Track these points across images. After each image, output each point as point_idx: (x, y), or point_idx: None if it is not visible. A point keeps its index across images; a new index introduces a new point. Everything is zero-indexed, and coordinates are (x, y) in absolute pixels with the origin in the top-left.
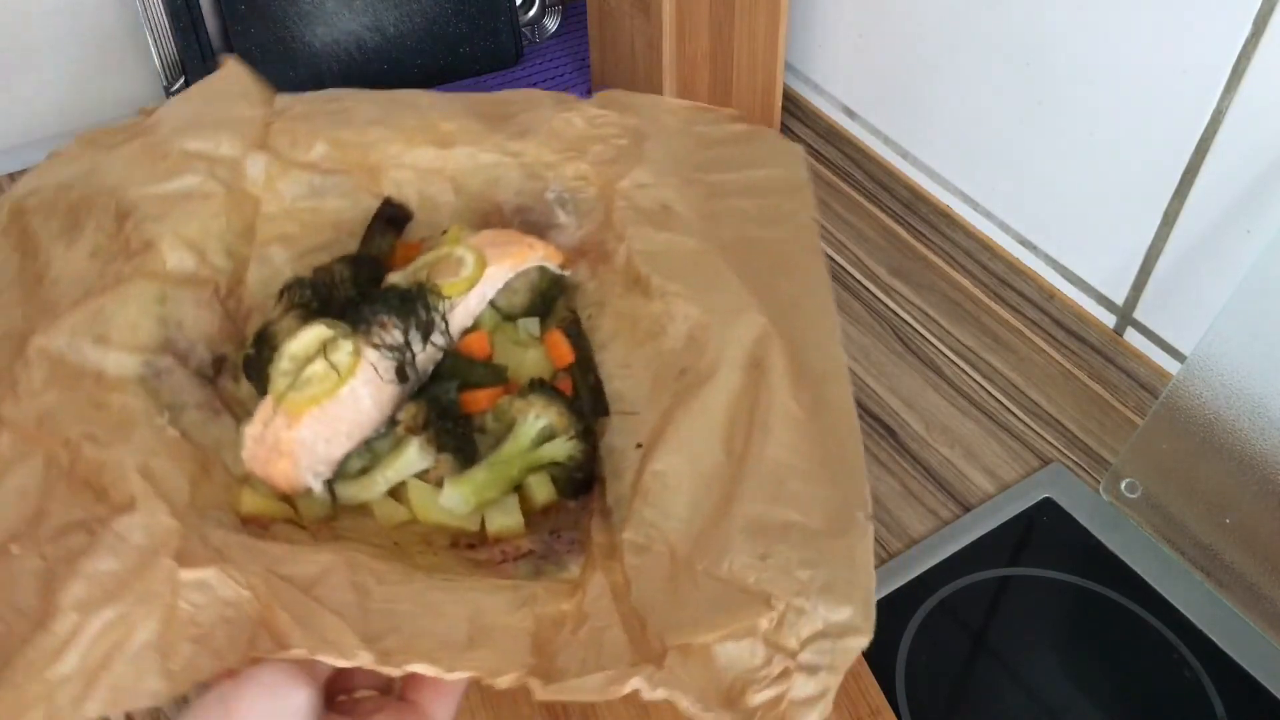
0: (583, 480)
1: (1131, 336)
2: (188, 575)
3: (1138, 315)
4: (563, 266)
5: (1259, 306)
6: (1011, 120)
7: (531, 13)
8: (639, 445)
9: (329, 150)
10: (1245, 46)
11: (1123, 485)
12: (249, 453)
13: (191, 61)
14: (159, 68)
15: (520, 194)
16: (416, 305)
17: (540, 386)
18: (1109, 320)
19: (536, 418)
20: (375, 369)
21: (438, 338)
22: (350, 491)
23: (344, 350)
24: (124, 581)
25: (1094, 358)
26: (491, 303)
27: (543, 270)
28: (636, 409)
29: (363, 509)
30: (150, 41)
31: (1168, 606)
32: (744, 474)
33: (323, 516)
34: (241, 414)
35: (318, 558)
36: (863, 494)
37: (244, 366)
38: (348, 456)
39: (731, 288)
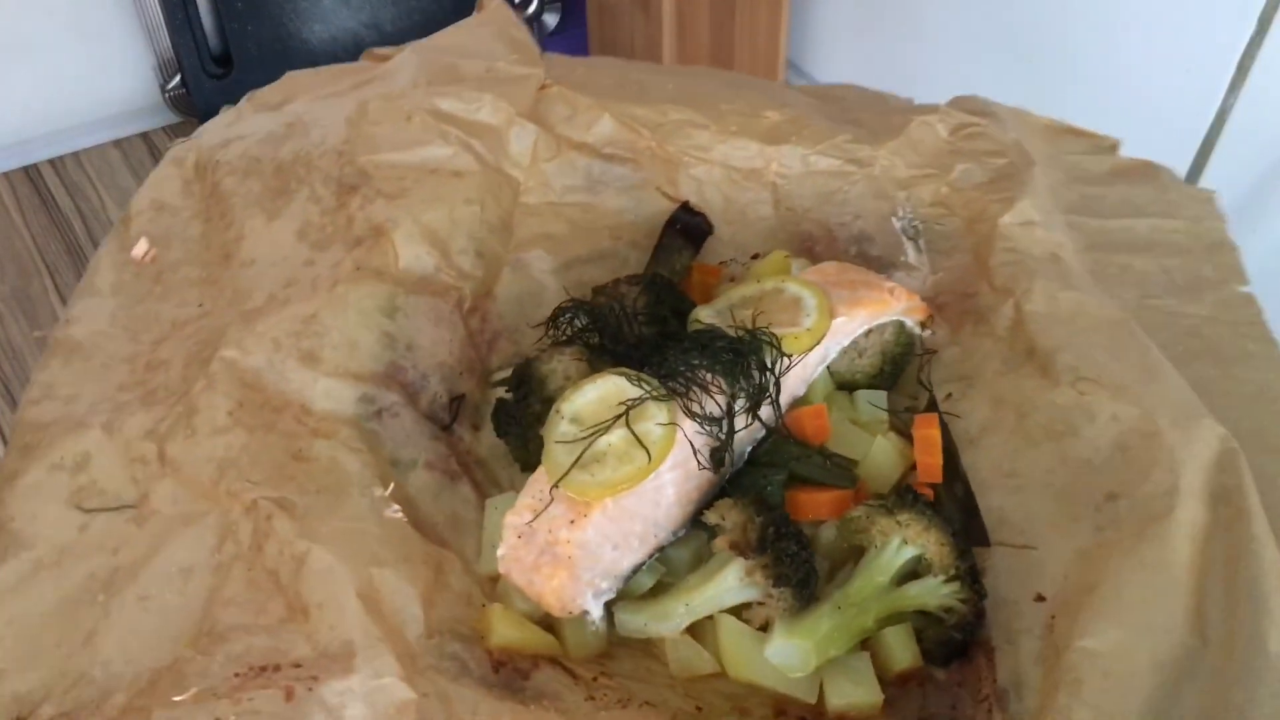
0: (962, 642)
1: None
2: None
3: None
4: (924, 324)
5: (1264, 306)
6: None
7: (530, 9)
8: (1040, 597)
9: (615, 130)
10: (1250, 45)
11: None
12: (509, 552)
13: (188, 60)
14: (155, 65)
15: (861, 217)
16: (749, 362)
17: (914, 501)
18: None
19: (903, 544)
20: (693, 450)
21: (766, 409)
22: (636, 620)
23: (655, 419)
24: None
25: None
26: (827, 365)
27: (899, 328)
28: (1032, 542)
29: (647, 646)
30: (146, 40)
31: None
32: (1236, 671)
33: (596, 652)
34: (484, 481)
35: None
36: None
37: (495, 416)
38: (637, 569)
39: (1174, 382)
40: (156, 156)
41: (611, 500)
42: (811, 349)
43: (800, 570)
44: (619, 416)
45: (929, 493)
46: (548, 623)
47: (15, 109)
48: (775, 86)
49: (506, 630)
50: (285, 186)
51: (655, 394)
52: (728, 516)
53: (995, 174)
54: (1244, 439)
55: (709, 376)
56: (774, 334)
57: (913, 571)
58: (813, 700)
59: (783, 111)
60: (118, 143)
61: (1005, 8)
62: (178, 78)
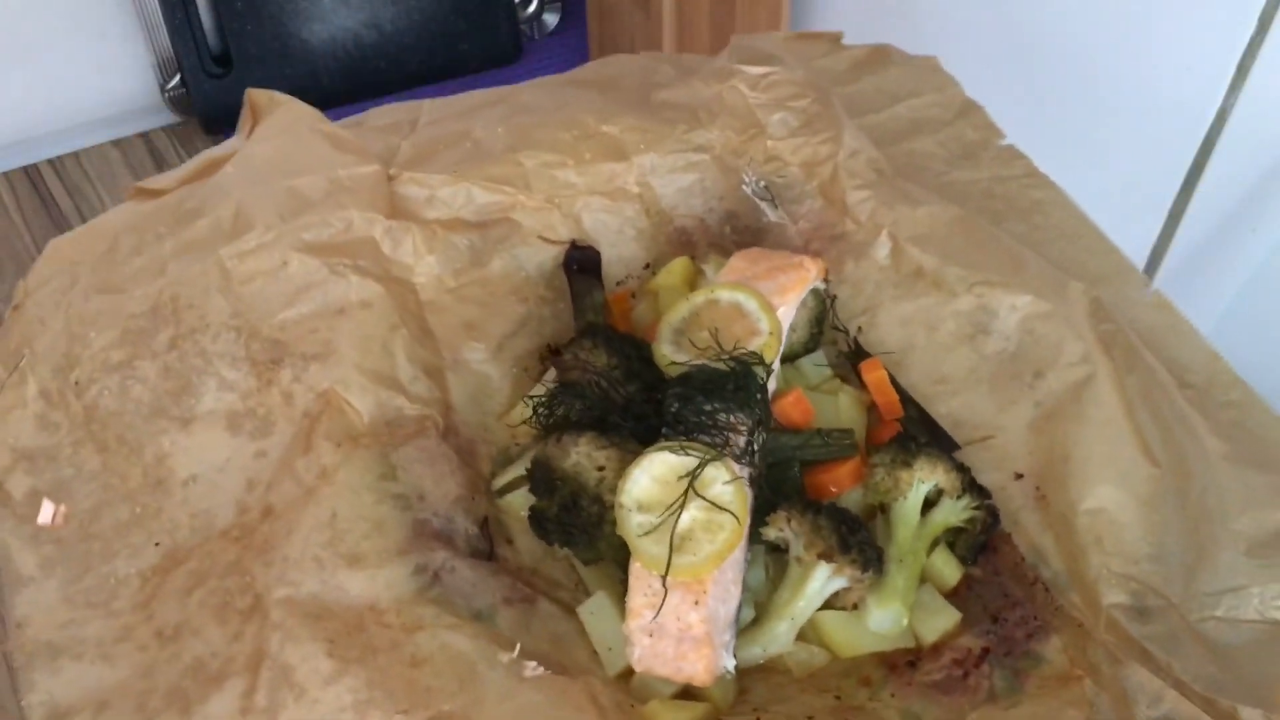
0: (986, 541)
1: None
2: None
3: None
4: (824, 278)
5: (1264, 305)
6: (1014, 119)
7: (530, 9)
8: (1019, 475)
9: (481, 195)
10: (1250, 44)
11: None
12: (645, 651)
13: (187, 59)
14: (155, 65)
15: (724, 198)
16: (752, 389)
17: (908, 443)
18: None
19: (920, 483)
20: (751, 496)
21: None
22: (753, 651)
23: (720, 479)
24: None
25: None
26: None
27: (814, 292)
28: (988, 431)
29: (766, 666)
30: (145, 40)
31: None
32: (1196, 482)
33: (736, 695)
34: (547, 588)
35: None
36: None
37: (536, 526)
38: (740, 610)
39: (1033, 259)
40: (156, 156)
41: (716, 574)
42: (780, 349)
43: (875, 551)
44: (686, 492)
45: (898, 427)
46: (688, 692)
47: (15, 109)
48: (570, 92)
49: (672, 716)
50: (186, 384)
51: (707, 456)
52: (787, 528)
53: (806, 116)
54: (1072, 276)
55: (730, 418)
56: (754, 352)
57: (928, 501)
58: (912, 644)
59: (615, 124)
60: (117, 143)
61: (1005, 7)
62: (177, 77)
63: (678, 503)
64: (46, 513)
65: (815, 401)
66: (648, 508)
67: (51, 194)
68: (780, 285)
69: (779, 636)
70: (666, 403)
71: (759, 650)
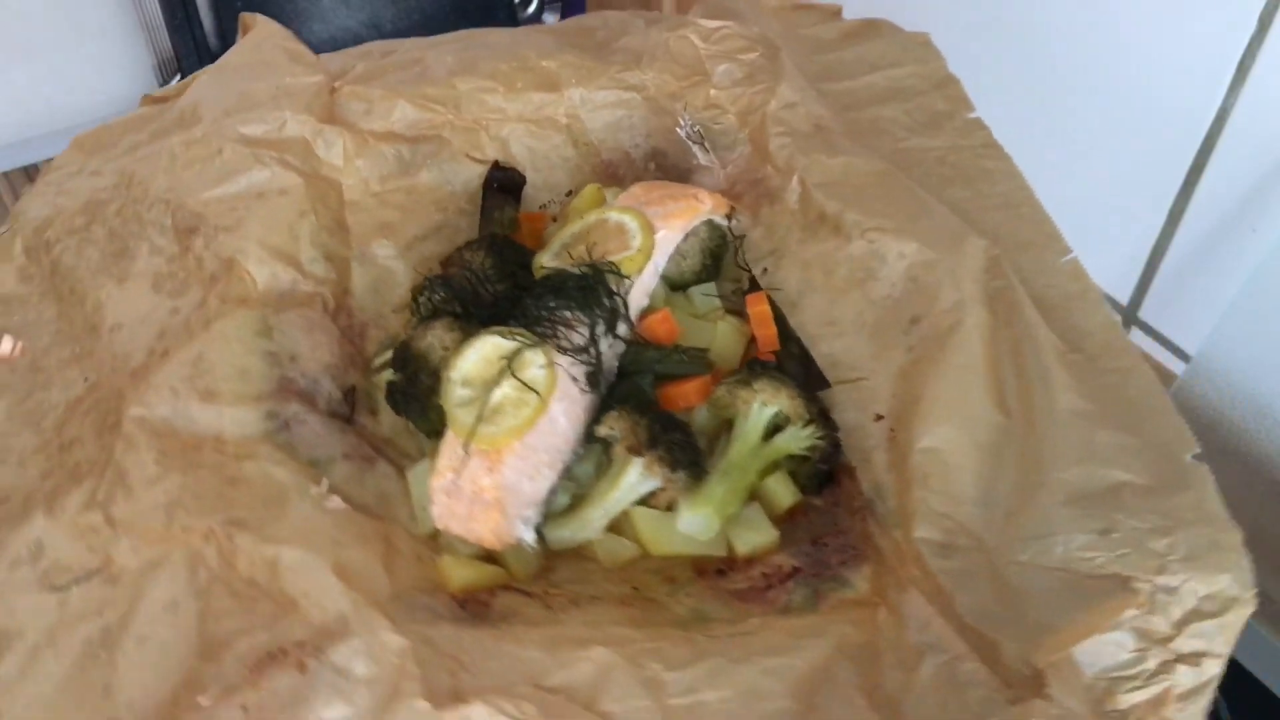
0: (828, 470)
1: (1136, 336)
2: (452, 717)
3: (1142, 314)
4: (729, 215)
5: (1264, 305)
6: (1014, 118)
7: (530, 9)
8: (879, 417)
9: (414, 112)
10: (1250, 44)
11: None
12: (443, 509)
13: (187, 58)
14: (154, 65)
15: (651, 136)
16: (599, 292)
17: (761, 369)
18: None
19: (764, 406)
20: (572, 379)
21: (621, 327)
22: (563, 534)
23: (536, 363)
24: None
25: None
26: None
27: (711, 225)
28: (862, 374)
29: (579, 552)
30: (146, 40)
31: None
32: (1038, 434)
33: (538, 570)
34: (396, 456)
35: (588, 654)
36: (1181, 431)
37: (389, 398)
38: (553, 492)
39: (938, 212)
40: None
41: (519, 443)
42: (645, 266)
43: (688, 453)
44: (504, 371)
45: (772, 358)
46: (491, 557)
47: (15, 109)
48: (535, 35)
49: (461, 573)
50: (124, 247)
51: (528, 342)
52: (616, 426)
53: (751, 69)
54: (1003, 243)
55: (568, 314)
56: (611, 261)
57: (776, 426)
58: (724, 554)
59: (553, 59)
60: None
61: (1005, 7)
62: (178, 78)
63: (494, 380)
64: (5, 346)
65: (695, 328)
66: (470, 383)
67: None
68: (668, 211)
69: (589, 524)
70: (522, 300)
71: (568, 534)
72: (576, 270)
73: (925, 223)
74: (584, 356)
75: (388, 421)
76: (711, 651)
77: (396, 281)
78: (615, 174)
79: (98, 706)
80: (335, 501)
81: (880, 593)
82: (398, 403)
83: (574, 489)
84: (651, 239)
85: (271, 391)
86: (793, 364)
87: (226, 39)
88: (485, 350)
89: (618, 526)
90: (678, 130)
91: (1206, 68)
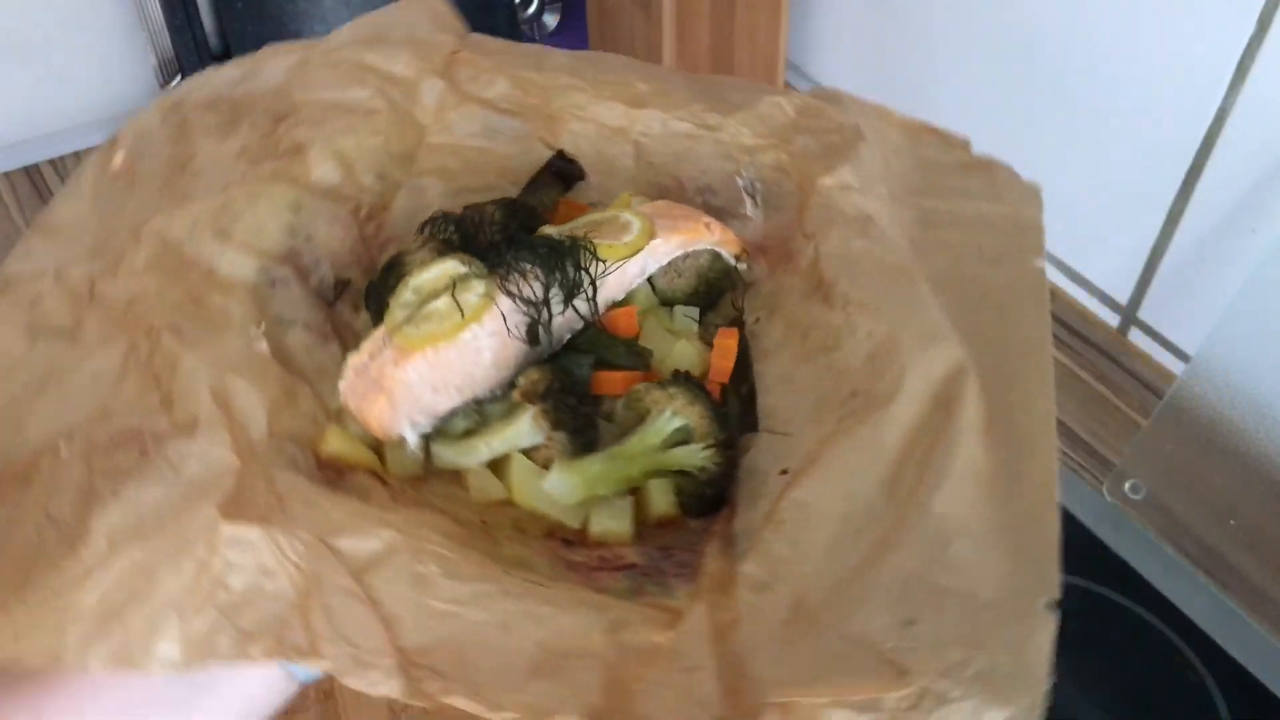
0: (712, 498)
1: (1135, 336)
2: (230, 530)
3: (1142, 315)
4: (739, 258)
5: (1264, 306)
6: (1014, 118)
7: (530, 10)
8: (784, 471)
9: (510, 89)
10: (1250, 44)
11: (1126, 486)
12: (347, 384)
13: (188, 59)
14: (155, 65)
15: (708, 173)
16: (565, 260)
17: (685, 381)
18: (1113, 320)
19: (674, 415)
20: (504, 320)
21: (582, 304)
22: (447, 454)
23: (475, 291)
24: (162, 520)
25: (1097, 358)
26: (650, 280)
27: (715, 256)
28: (791, 430)
29: (457, 477)
30: (146, 40)
31: (1171, 608)
32: (904, 523)
33: (411, 474)
34: (354, 344)
35: (383, 532)
36: (1051, 582)
37: (364, 293)
38: (453, 413)
39: (930, 312)
40: None
41: (432, 350)
42: (626, 259)
43: (576, 419)
44: (447, 288)
45: (716, 390)
46: (377, 450)
47: (15, 109)
48: (652, 66)
49: (337, 442)
50: (235, 118)
51: (478, 273)
52: (529, 377)
53: (828, 147)
54: (989, 370)
55: (528, 267)
56: (592, 241)
57: (683, 438)
58: (576, 526)
59: (651, 84)
60: None
61: (1005, 7)
62: (178, 78)
63: (435, 292)
64: (119, 160)
65: (660, 338)
66: (419, 291)
67: (52, 194)
68: (673, 226)
69: (472, 452)
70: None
71: (450, 455)
72: (558, 237)
73: (912, 316)
74: (529, 309)
75: (364, 318)
76: (494, 580)
77: (422, 211)
78: (666, 195)
79: (9, 433)
80: (262, 345)
81: (690, 607)
82: (368, 298)
83: (476, 421)
84: (644, 242)
85: (276, 255)
86: (735, 401)
87: (227, 39)
88: (444, 268)
89: (497, 469)
90: (737, 179)
91: (1206, 68)
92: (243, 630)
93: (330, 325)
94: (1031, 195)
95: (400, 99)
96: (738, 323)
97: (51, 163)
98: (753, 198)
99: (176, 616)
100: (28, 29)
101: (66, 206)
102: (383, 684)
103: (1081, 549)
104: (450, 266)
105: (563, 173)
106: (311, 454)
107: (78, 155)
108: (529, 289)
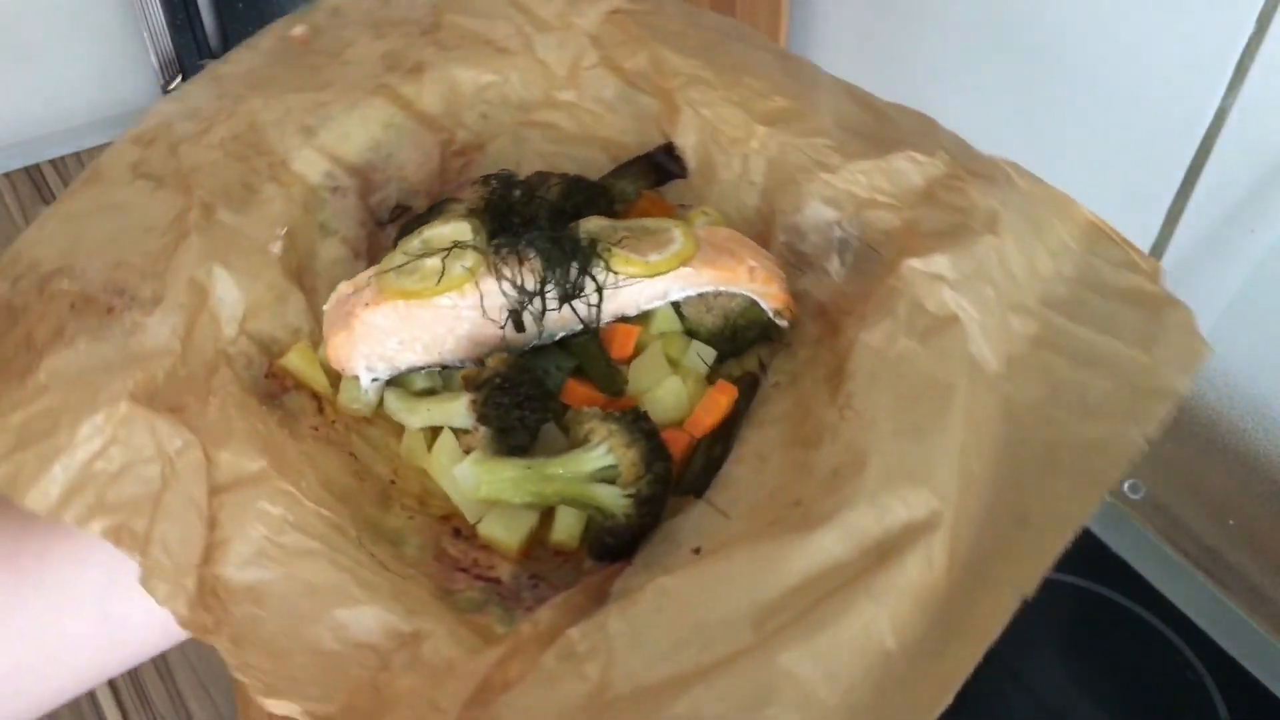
0: (614, 547)
1: None
2: (127, 408)
3: None
4: (780, 314)
5: (1263, 306)
6: (1013, 119)
7: None
8: (697, 550)
9: (647, 66)
10: (1249, 45)
11: (1126, 486)
12: (330, 308)
13: (188, 59)
14: (156, 66)
15: (803, 214)
16: (570, 261)
17: (635, 421)
18: None
19: (607, 451)
20: (482, 299)
21: (582, 307)
22: (395, 404)
23: (465, 260)
24: (86, 378)
25: None
26: (677, 305)
27: (751, 304)
28: (730, 513)
29: (392, 430)
30: (147, 40)
31: (1171, 608)
32: (745, 660)
33: (356, 413)
34: None
35: (261, 460)
36: None
37: (403, 226)
38: (415, 370)
39: (934, 446)
40: None
41: (404, 304)
42: (642, 278)
43: (502, 420)
44: (446, 250)
45: (684, 440)
46: (334, 380)
47: (16, 109)
48: (814, 78)
49: (296, 358)
50: (390, 21)
51: (476, 246)
52: (489, 362)
53: (947, 227)
54: (979, 532)
55: (529, 254)
56: (610, 250)
57: (611, 477)
58: (471, 521)
59: (792, 100)
60: None
61: (1005, 6)
62: (179, 78)
63: (432, 251)
64: (299, 30)
65: (656, 367)
66: (426, 242)
67: (54, 194)
68: (713, 260)
69: (413, 413)
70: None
71: (396, 407)
72: (578, 236)
73: (906, 445)
74: (514, 296)
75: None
76: (336, 545)
77: (523, 168)
78: (753, 220)
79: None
80: (275, 247)
81: (514, 642)
82: (402, 231)
83: (437, 385)
84: (669, 267)
85: (349, 164)
86: (700, 458)
87: (228, 39)
88: (452, 229)
89: (431, 440)
90: (834, 229)
91: (1204, 68)
92: (100, 502)
93: (367, 245)
94: (1192, 358)
95: (539, 45)
96: (751, 385)
97: (52, 163)
98: (842, 255)
99: (60, 468)
100: (28, 29)
101: (236, 61)
102: (169, 600)
103: (1081, 549)
104: (457, 230)
105: (662, 166)
106: (266, 362)
107: (78, 155)
108: (522, 277)
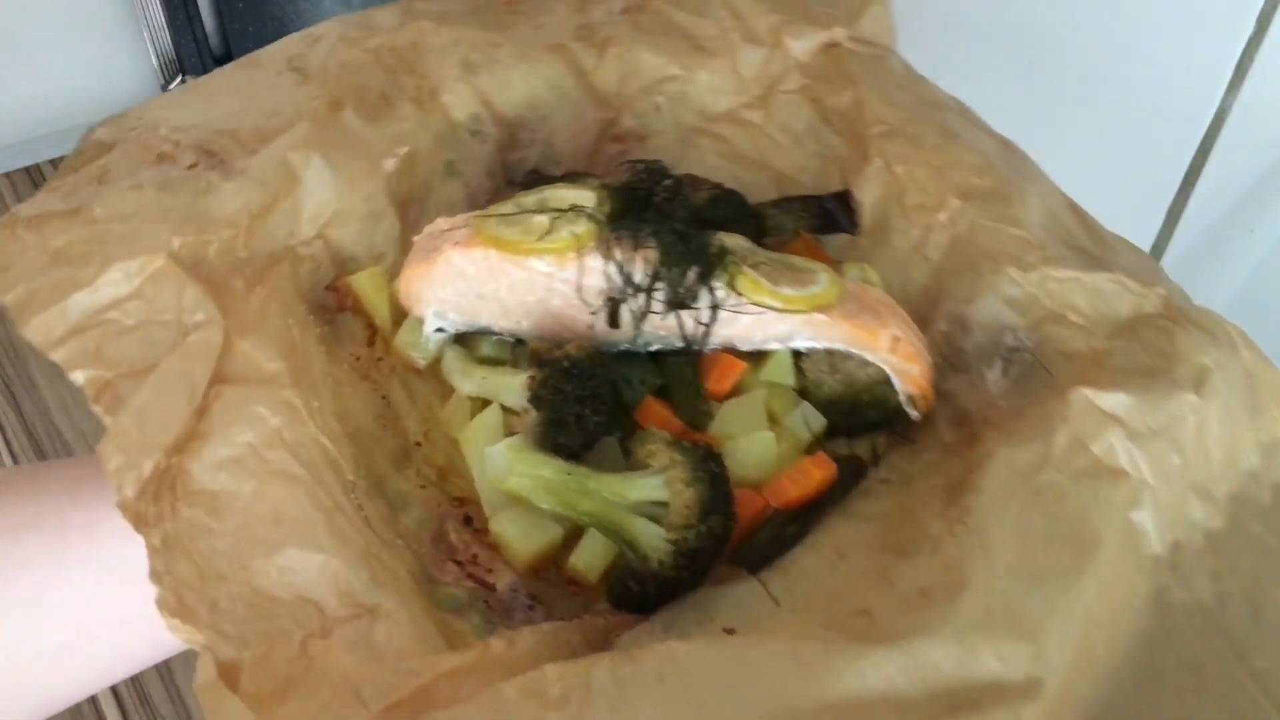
0: (637, 596)
1: None
2: (162, 264)
3: None
4: (914, 402)
5: (1263, 306)
6: (1013, 120)
7: None
8: (730, 631)
9: (849, 106)
10: (1248, 45)
11: None
12: (421, 238)
13: (188, 59)
14: (156, 66)
15: (976, 305)
16: (691, 264)
17: (703, 459)
18: None
19: (661, 484)
20: (581, 277)
21: (690, 322)
22: (452, 362)
23: (576, 228)
24: (138, 222)
25: None
26: (798, 356)
27: (882, 380)
28: (782, 601)
29: (441, 390)
30: (147, 40)
31: None
32: None
33: (409, 359)
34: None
35: (279, 364)
36: None
37: (529, 176)
38: (486, 333)
39: (1053, 611)
40: None
41: (496, 254)
42: (767, 310)
43: (557, 409)
44: (559, 212)
45: (759, 506)
46: (398, 317)
47: (16, 109)
48: (1051, 187)
49: (367, 282)
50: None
51: (595, 216)
52: (566, 348)
53: (1142, 369)
54: None
55: (649, 244)
56: (740, 268)
57: (656, 514)
58: (486, 512)
59: (999, 184)
60: None
61: (1005, 7)
62: (179, 78)
63: (548, 210)
64: None
65: (750, 416)
66: (542, 201)
67: None
68: (852, 316)
69: (466, 378)
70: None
71: (451, 365)
72: (707, 240)
73: (1015, 592)
74: (618, 283)
75: None
76: (322, 480)
77: (679, 165)
78: (916, 297)
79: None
80: (389, 164)
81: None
82: (525, 182)
83: (503, 357)
84: (801, 306)
85: (500, 115)
86: (769, 530)
87: (228, 39)
88: (575, 194)
89: (479, 409)
90: (1007, 334)
91: (1204, 68)
92: (97, 351)
93: (488, 200)
94: None
95: (742, 54)
96: (857, 470)
97: (52, 163)
98: (1007, 365)
99: (74, 303)
100: (28, 29)
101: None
102: (117, 474)
103: None
104: (580, 195)
105: (831, 214)
106: (335, 273)
107: None
108: (633, 265)
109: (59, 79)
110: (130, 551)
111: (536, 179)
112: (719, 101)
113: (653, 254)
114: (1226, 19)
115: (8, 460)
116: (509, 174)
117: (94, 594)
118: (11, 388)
